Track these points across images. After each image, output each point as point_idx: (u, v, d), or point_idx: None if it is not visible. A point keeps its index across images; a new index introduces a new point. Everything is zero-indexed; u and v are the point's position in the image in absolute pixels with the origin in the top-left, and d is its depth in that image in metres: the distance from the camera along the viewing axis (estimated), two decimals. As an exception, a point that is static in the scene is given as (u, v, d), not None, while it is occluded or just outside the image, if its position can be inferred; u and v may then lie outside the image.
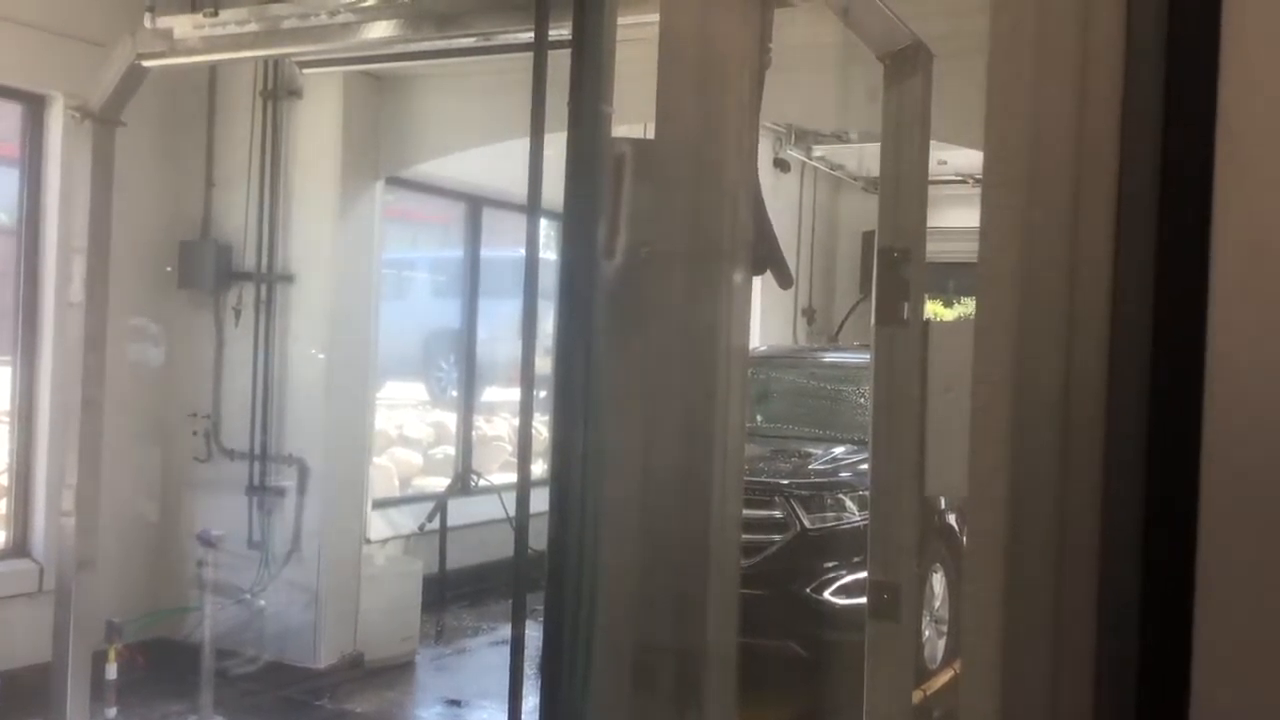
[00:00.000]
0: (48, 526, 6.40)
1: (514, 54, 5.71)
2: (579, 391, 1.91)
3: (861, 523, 6.61)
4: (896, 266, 3.88)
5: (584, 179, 1.84)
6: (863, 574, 6.31)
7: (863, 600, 6.22)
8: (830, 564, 6.56)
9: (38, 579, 6.39)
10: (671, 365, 2.04)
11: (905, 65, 3.79)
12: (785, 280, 2.23)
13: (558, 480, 1.93)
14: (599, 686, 1.93)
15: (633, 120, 2.26)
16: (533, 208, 1.84)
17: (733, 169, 2.12)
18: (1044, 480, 0.98)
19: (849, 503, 6.76)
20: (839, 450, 7.43)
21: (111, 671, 5.83)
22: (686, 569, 2.01)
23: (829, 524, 6.71)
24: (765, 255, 2.17)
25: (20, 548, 6.60)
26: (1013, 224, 1.02)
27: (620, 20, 2.02)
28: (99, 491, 5.76)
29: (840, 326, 11.46)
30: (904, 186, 3.94)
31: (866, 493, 6.52)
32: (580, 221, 1.88)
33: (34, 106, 6.58)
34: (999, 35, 1.01)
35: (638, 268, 2.00)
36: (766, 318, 10.14)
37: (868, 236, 11.51)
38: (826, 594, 6.50)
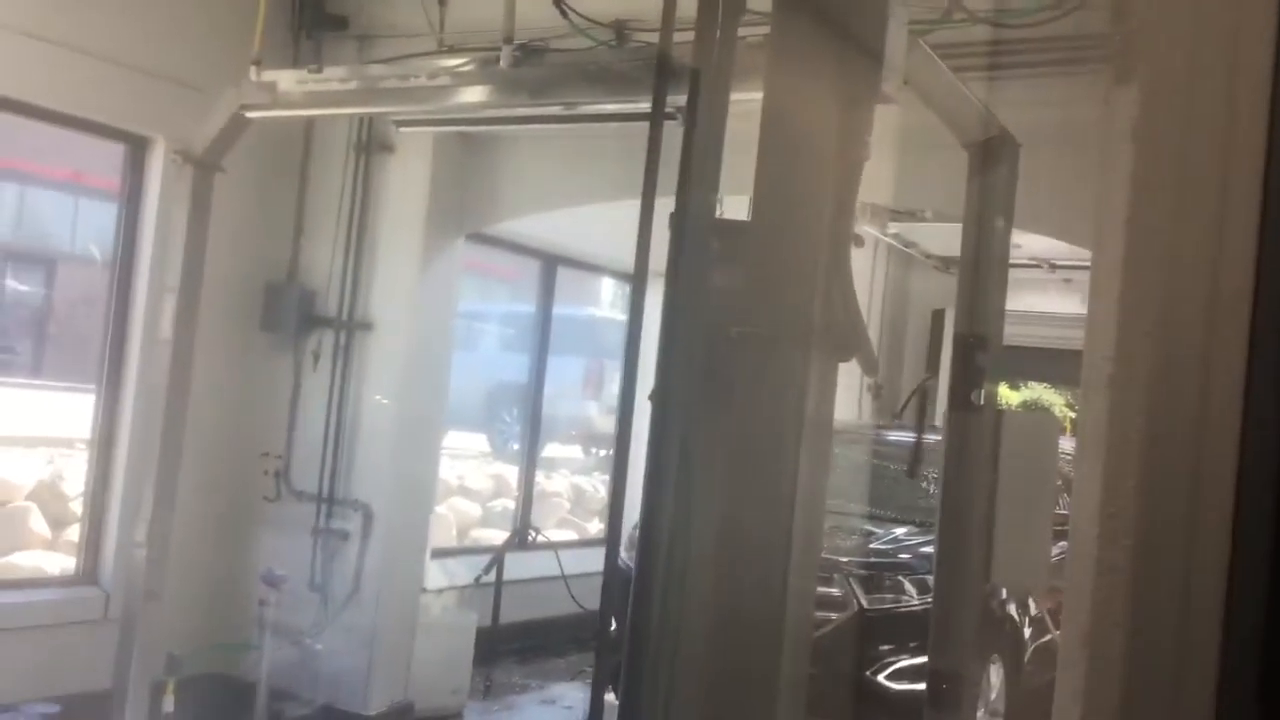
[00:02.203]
0: (118, 555, 6.51)
1: (601, 123, 5.86)
2: (670, 457, 1.95)
3: (920, 606, 6.50)
4: (972, 352, 3.89)
5: (687, 257, 1.90)
6: (919, 659, 6.21)
7: (918, 686, 6.11)
8: (886, 646, 6.44)
9: (103, 606, 6.49)
10: (757, 440, 2.08)
11: (991, 154, 3.83)
12: (871, 367, 2.27)
13: (644, 546, 1.97)
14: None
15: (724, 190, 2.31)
16: (639, 275, 1.90)
17: (826, 256, 2.17)
18: (1166, 605, 1.00)
19: (908, 585, 6.64)
20: (900, 531, 7.30)
21: (169, 704, 5.88)
22: (760, 643, 2.03)
23: (887, 605, 6.59)
24: (853, 341, 2.21)
25: (89, 575, 6.70)
26: (1146, 350, 1.05)
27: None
28: (172, 525, 5.88)
29: (904, 405, 11.37)
30: (984, 273, 3.95)
31: (926, 576, 6.43)
32: (681, 296, 1.93)
33: (136, 147, 6.81)
34: (1141, 170, 1.04)
35: (730, 346, 2.05)
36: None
37: (937, 315, 11.46)
38: (881, 677, 6.38)
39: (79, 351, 7.86)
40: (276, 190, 7.42)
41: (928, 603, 6.39)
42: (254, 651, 6.59)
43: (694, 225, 2.03)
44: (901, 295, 11.88)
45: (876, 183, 6.90)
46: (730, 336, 2.05)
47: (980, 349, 3.86)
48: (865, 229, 9.89)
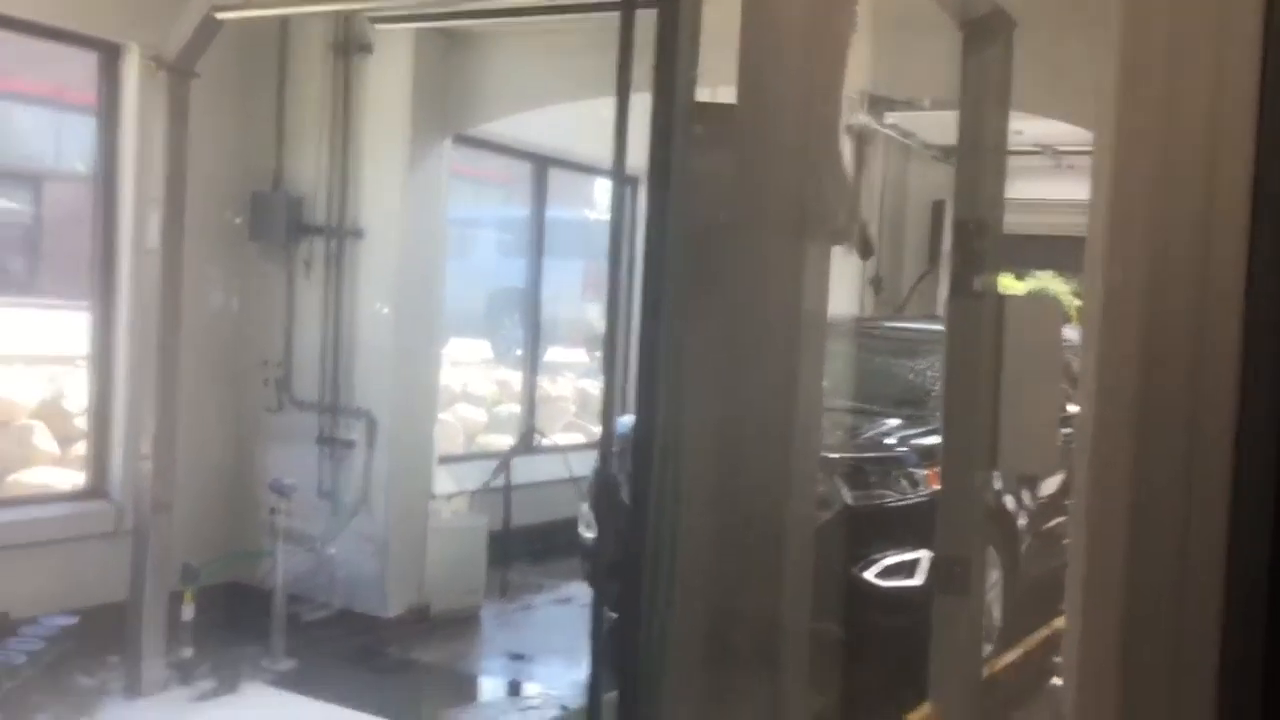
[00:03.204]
0: (125, 468, 6.55)
1: (585, 12, 5.70)
2: (662, 356, 1.91)
3: (907, 501, 6.38)
4: (972, 239, 3.83)
5: (668, 145, 1.83)
6: (908, 555, 6.19)
7: (908, 582, 6.10)
8: (873, 543, 6.30)
9: (115, 519, 6.54)
10: (751, 333, 2.04)
11: (986, 33, 3.71)
12: (866, 250, 2.22)
13: (639, 445, 1.94)
14: (674, 654, 1.95)
15: (709, 82, 2.24)
16: (618, 171, 1.83)
17: (816, 137, 2.10)
18: (1169, 495, 0.97)
19: (897, 479, 6.50)
20: (889, 424, 7.11)
21: (188, 612, 5.97)
22: (763, 535, 2.02)
23: (874, 501, 6.41)
24: (847, 225, 2.16)
25: (98, 489, 6.75)
26: (1142, 229, 1.00)
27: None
28: (176, 435, 5.90)
29: (907, 297, 11.33)
30: (982, 157, 3.87)
31: (916, 470, 6.39)
32: (664, 187, 1.87)
33: (109, 56, 6.63)
34: (1130, 45, 0.98)
35: (719, 234, 1.99)
36: (833, 287, 10.01)
37: (937, 206, 11.33)
38: (869, 574, 6.27)
39: (71, 268, 7.79)
40: (256, 96, 7.28)
41: (916, 497, 6.36)
42: (268, 558, 6.67)
43: (676, 111, 1.96)
44: (901, 188, 11.74)
45: (870, 70, 6.73)
46: (719, 224, 1.99)
47: (980, 235, 3.80)
48: (861, 119, 9.72)
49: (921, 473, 6.43)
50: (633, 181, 8.06)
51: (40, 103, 8.93)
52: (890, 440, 6.89)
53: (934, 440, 6.54)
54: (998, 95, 3.76)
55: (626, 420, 7.32)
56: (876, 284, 11.03)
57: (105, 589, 6.14)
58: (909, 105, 9.58)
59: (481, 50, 7.26)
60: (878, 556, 6.29)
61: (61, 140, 9.10)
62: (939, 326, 8.41)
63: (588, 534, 7.30)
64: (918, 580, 6.19)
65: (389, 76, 7.13)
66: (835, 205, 2.06)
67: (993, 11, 3.61)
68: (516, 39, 7.17)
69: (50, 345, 8.26)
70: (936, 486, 6.30)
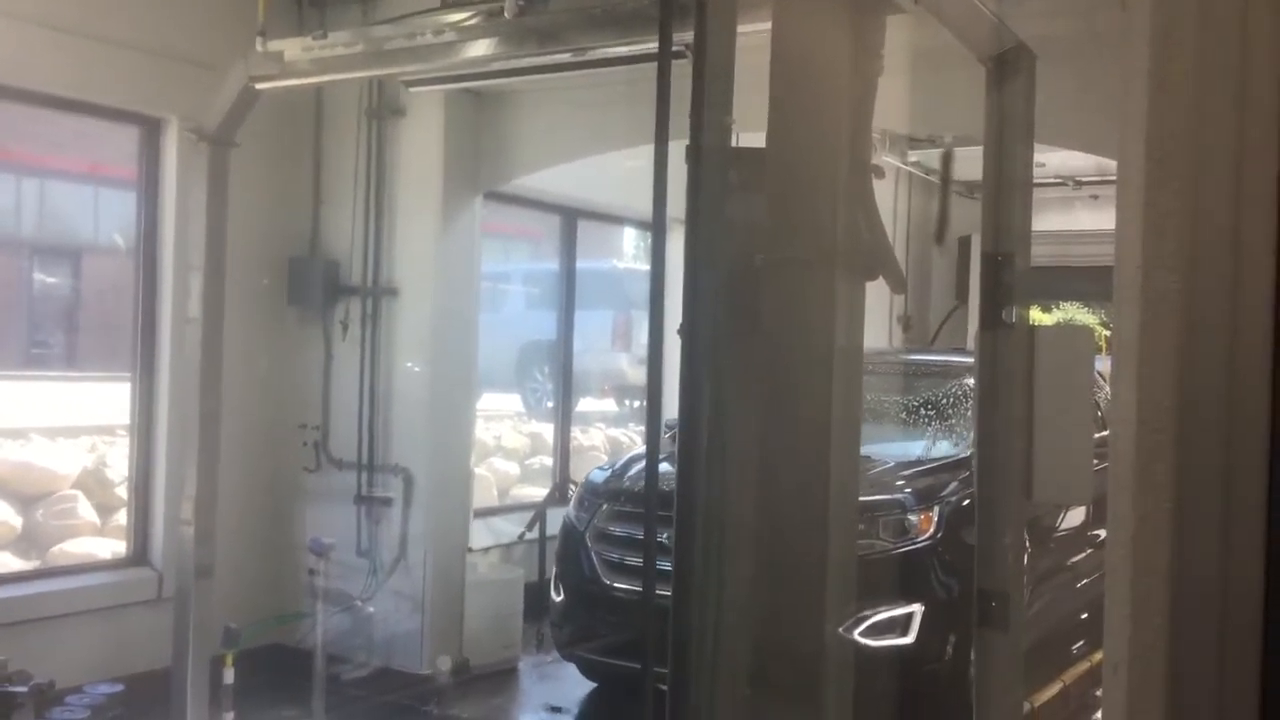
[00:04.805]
0: (166, 535, 6.61)
1: (613, 68, 5.80)
2: (702, 394, 1.95)
3: (898, 549, 5.92)
4: (1000, 271, 3.84)
5: (705, 189, 1.88)
6: (899, 610, 5.85)
7: (900, 641, 5.73)
8: (860, 599, 5.73)
9: (157, 586, 6.60)
10: (788, 369, 2.07)
11: (1008, 68, 3.75)
12: (898, 285, 2.25)
13: (682, 483, 1.97)
14: (722, 692, 1.96)
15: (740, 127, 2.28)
16: (658, 218, 1.88)
17: (845, 176, 2.14)
18: (1209, 517, 0.98)
19: (884, 528, 6.00)
20: (883, 468, 6.46)
21: (229, 676, 5.98)
22: (806, 570, 2.03)
23: (860, 552, 6.09)
24: (878, 260, 2.19)
25: (140, 556, 6.82)
26: (1177, 245, 1.02)
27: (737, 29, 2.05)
28: (216, 500, 5.95)
29: (936, 332, 11.33)
30: (1007, 190, 3.89)
31: (909, 515, 6.06)
32: (702, 231, 1.92)
33: (150, 129, 6.81)
34: (1159, 42, 1.01)
35: (754, 274, 2.03)
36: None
37: (963, 242, 11.36)
38: (855, 634, 5.68)
39: (111, 340, 7.92)
40: (293, 163, 7.42)
41: (908, 544, 5.96)
42: (308, 620, 6.69)
43: (710, 157, 2.01)
44: (926, 225, 11.78)
45: (894, 110, 6.79)
46: (754, 265, 2.03)
47: (1008, 266, 3.81)
48: (886, 159, 9.78)
49: (914, 518, 5.98)
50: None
51: (77, 179, 9.13)
52: (884, 483, 6.28)
53: (930, 481, 6.25)
54: (1021, 128, 3.79)
55: (599, 470, 7.20)
56: (904, 322, 11.03)
57: (149, 656, 6.17)
58: (931, 143, 9.64)
59: (510, 109, 7.40)
60: (865, 614, 5.76)
61: (99, 214, 9.29)
62: (936, 357, 8.23)
63: (556, 598, 6.89)
64: (909, 639, 5.79)
65: (421, 138, 7.28)
66: (867, 240, 2.10)
67: (1015, 47, 3.65)
68: (544, 96, 7.30)
69: (89, 417, 8.39)
70: (930, 531, 5.92)
